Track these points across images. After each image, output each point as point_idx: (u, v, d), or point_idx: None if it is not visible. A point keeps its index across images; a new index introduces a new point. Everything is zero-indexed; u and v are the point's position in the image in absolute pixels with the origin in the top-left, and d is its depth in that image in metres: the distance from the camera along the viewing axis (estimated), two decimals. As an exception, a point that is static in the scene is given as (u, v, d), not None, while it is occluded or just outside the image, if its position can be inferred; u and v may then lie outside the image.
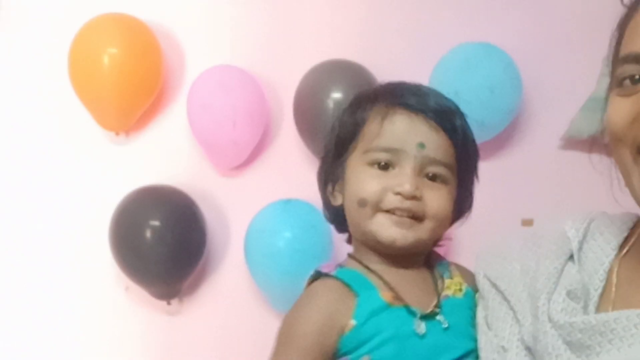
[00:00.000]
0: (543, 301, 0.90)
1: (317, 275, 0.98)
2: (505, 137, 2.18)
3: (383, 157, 0.96)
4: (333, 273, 0.96)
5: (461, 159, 0.99)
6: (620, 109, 0.88)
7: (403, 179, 0.94)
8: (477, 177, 1.05)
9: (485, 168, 2.15)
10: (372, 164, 0.96)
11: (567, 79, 2.14)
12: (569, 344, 0.86)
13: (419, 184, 0.95)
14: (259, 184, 2.18)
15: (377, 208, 0.95)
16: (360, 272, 0.96)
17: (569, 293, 0.90)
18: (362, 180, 0.96)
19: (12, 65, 2.31)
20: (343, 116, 1.03)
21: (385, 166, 0.96)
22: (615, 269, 0.94)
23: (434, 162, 0.96)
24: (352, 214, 0.98)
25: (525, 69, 2.10)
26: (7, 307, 2.27)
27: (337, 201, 1.01)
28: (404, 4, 2.24)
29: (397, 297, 0.94)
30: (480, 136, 2.10)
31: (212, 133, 2.13)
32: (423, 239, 0.97)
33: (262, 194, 2.09)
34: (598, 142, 2.11)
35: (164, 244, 2.06)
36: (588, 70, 2.11)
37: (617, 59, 0.91)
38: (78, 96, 2.18)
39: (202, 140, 2.17)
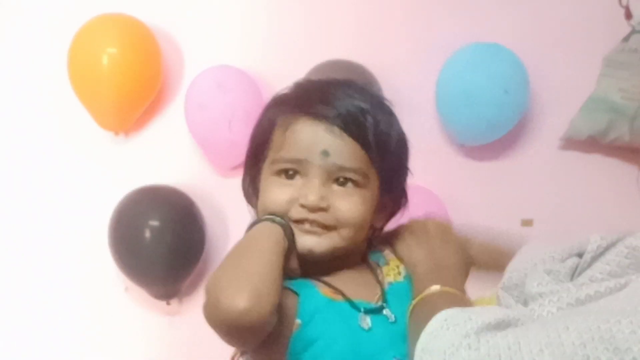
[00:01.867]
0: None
1: None
2: (508, 138, 2.18)
3: (289, 167, 0.94)
4: None
5: (378, 159, 0.96)
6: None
7: (308, 190, 0.93)
8: (409, 170, 1.02)
9: (487, 169, 2.18)
10: (279, 173, 0.95)
11: (571, 80, 2.14)
12: None
13: (326, 194, 0.93)
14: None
15: (290, 217, 0.93)
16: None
17: (549, 272, 0.91)
18: (271, 192, 0.95)
19: (12, 66, 2.31)
20: (261, 117, 1.01)
21: (292, 175, 0.94)
22: None
23: (341, 168, 0.94)
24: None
25: (531, 69, 2.10)
26: (7, 307, 2.27)
27: (258, 208, 1.00)
28: (404, 4, 2.24)
29: (338, 292, 0.92)
30: (489, 137, 2.12)
31: (210, 133, 2.13)
32: (339, 246, 0.95)
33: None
34: (598, 142, 2.12)
35: (163, 244, 2.06)
36: (588, 71, 2.11)
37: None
38: (77, 96, 2.18)
39: (201, 140, 2.17)
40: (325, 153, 0.93)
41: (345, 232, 0.94)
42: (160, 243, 2.06)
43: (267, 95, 2.17)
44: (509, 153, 2.21)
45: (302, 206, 0.93)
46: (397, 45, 2.22)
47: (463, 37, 2.14)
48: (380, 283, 0.96)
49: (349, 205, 0.94)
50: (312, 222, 0.93)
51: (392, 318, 0.93)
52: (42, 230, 2.27)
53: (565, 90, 2.16)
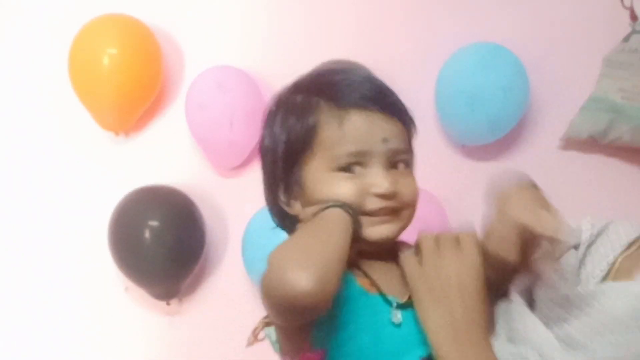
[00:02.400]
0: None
1: None
2: (509, 139, 2.18)
3: (351, 161, 0.94)
4: None
5: (411, 136, 1.00)
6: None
7: (378, 179, 0.93)
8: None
9: (488, 169, 2.18)
10: (340, 169, 0.94)
11: (571, 80, 2.15)
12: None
13: (393, 179, 0.94)
14: (258, 184, 2.17)
15: (360, 212, 0.93)
16: None
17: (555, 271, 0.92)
18: (334, 186, 0.93)
19: (12, 66, 2.31)
20: (286, 121, 1.01)
21: (353, 169, 0.94)
22: (619, 262, 0.96)
23: (398, 152, 0.96)
24: (333, 225, 0.92)
25: (530, 69, 2.10)
26: (7, 307, 2.27)
27: (295, 209, 0.98)
28: (405, 4, 2.24)
29: (374, 284, 0.92)
30: (489, 137, 2.12)
31: (210, 133, 2.13)
32: (406, 226, 0.97)
33: (261, 194, 2.09)
34: (598, 142, 2.12)
35: (163, 244, 2.06)
36: (588, 71, 2.11)
37: None
38: (78, 96, 2.18)
39: (201, 141, 2.17)
40: (385, 140, 0.94)
41: (408, 213, 0.96)
42: (160, 243, 2.06)
43: (268, 95, 2.19)
44: (509, 153, 2.21)
45: (378, 195, 0.93)
46: (397, 45, 2.22)
47: (463, 38, 2.14)
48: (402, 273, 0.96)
49: (409, 185, 0.96)
50: (386, 209, 0.93)
51: None
52: (42, 230, 2.27)
53: (565, 90, 2.16)
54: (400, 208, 0.95)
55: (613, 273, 0.96)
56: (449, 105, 2.11)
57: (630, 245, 0.97)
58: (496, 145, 2.17)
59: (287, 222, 1.02)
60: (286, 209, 1.00)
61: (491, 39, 2.12)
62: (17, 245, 2.27)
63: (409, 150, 0.98)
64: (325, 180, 0.94)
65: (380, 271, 0.95)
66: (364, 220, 0.93)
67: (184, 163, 2.25)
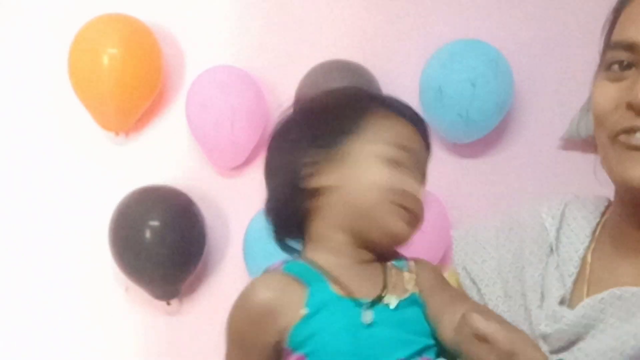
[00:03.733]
0: (535, 315, 0.92)
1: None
2: (500, 135, 2.18)
3: (399, 155, 0.95)
4: (281, 268, 0.94)
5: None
6: (605, 93, 0.90)
7: (415, 184, 0.96)
8: None
9: (480, 166, 2.19)
10: (387, 159, 0.94)
11: (563, 78, 2.14)
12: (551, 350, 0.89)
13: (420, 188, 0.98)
14: (259, 184, 2.17)
15: (397, 204, 0.94)
16: (310, 266, 0.93)
17: (562, 301, 0.92)
18: (384, 175, 0.94)
19: (12, 66, 2.31)
20: (331, 96, 1.03)
21: (397, 164, 0.95)
22: (589, 255, 0.95)
23: (425, 166, 1.00)
24: (364, 203, 0.93)
25: (520, 67, 2.10)
26: (7, 307, 2.27)
27: (318, 183, 0.95)
28: (405, 3, 2.24)
29: (346, 290, 0.91)
30: (467, 132, 2.12)
31: (211, 133, 2.13)
32: (411, 237, 0.97)
33: (261, 194, 2.09)
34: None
35: (164, 244, 2.06)
36: (585, 70, 2.11)
37: (608, 43, 0.92)
38: (78, 96, 2.18)
39: (201, 141, 2.17)
40: (422, 152, 1.01)
41: (419, 225, 1.00)
42: (161, 243, 2.07)
43: (268, 95, 2.20)
44: (501, 151, 2.21)
45: (413, 198, 0.96)
46: (398, 44, 2.22)
47: (446, 34, 2.14)
48: (385, 282, 0.94)
49: (423, 199, 1.01)
50: (410, 212, 0.96)
51: (394, 304, 0.92)
52: (42, 230, 2.27)
53: (556, 89, 2.16)
54: (420, 218, 0.97)
55: (587, 271, 0.94)
56: (433, 104, 2.10)
57: (593, 232, 0.97)
58: (487, 142, 2.17)
59: (289, 204, 0.99)
60: (306, 181, 0.96)
61: (475, 36, 2.12)
62: (17, 246, 2.27)
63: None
64: (374, 163, 0.94)
65: (356, 274, 0.94)
66: (396, 210, 0.94)
67: (184, 163, 2.25)
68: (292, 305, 0.89)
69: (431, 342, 0.92)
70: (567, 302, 0.92)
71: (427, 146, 1.01)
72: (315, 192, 0.95)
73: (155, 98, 2.23)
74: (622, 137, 0.87)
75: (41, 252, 2.26)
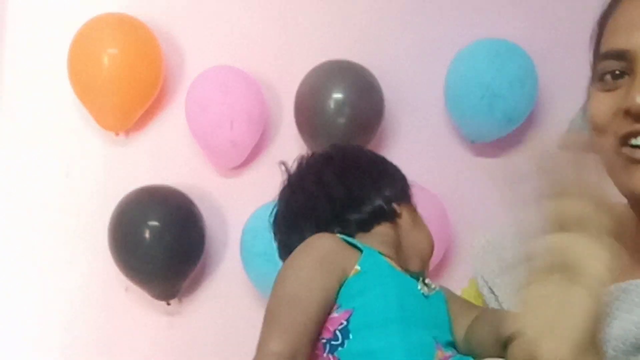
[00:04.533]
0: None
1: None
2: (516, 135, 2.18)
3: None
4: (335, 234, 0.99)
5: None
6: (602, 103, 0.91)
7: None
8: None
9: (496, 166, 2.18)
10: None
11: (581, 76, 2.14)
12: None
13: None
14: (258, 184, 2.18)
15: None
16: (362, 242, 0.99)
17: None
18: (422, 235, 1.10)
19: (12, 65, 2.31)
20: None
21: None
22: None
23: None
24: (426, 252, 1.08)
25: (539, 64, 2.10)
26: (6, 307, 2.27)
27: (397, 214, 1.06)
28: (405, 3, 2.24)
29: (399, 264, 0.98)
30: (498, 133, 2.12)
31: (210, 133, 2.13)
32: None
33: (261, 194, 2.07)
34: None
35: (163, 244, 2.06)
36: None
37: (598, 54, 0.94)
38: (78, 96, 2.18)
39: (201, 141, 2.17)
40: None
41: None
42: (161, 243, 2.06)
43: (268, 96, 2.20)
44: (517, 150, 2.20)
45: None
46: (397, 44, 2.22)
47: (471, 34, 2.14)
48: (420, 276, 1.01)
49: None
50: None
51: (430, 292, 0.98)
52: (42, 230, 2.27)
53: (574, 85, 2.15)
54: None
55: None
56: (458, 102, 2.11)
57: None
58: (504, 142, 2.16)
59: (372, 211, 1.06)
60: (392, 208, 1.06)
61: (499, 35, 2.12)
62: (17, 246, 2.27)
63: None
64: (417, 226, 1.09)
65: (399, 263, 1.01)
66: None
67: (184, 163, 2.25)
68: (349, 260, 0.92)
69: (452, 339, 0.95)
70: None
71: None
72: (393, 213, 1.06)
73: (155, 98, 2.23)
74: (626, 150, 0.88)
75: (41, 252, 2.26)
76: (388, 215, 1.05)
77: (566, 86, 2.14)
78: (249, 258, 2.07)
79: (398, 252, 1.03)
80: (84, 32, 2.15)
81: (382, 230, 1.04)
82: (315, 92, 2.10)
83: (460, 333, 0.95)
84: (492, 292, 1.03)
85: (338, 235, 0.98)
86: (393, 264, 0.97)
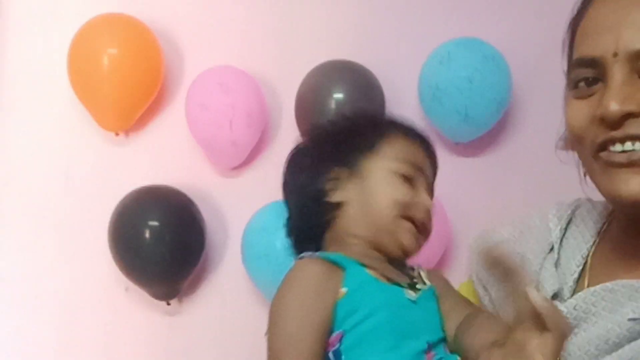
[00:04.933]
0: None
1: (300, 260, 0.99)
2: (499, 134, 2.18)
3: (410, 171, 1.02)
4: (315, 255, 0.98)
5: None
6: (577, 111, 0.92)
7: (425, 197, 1.03)
8: None
9: (479, 165, 2.18)
10: (399, 175, 1.01)
11: (562, 77, 2.14)
12: None
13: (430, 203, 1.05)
14: (259, 184, 2.18)
15: (408, 218, 1.00)
16: (343, 255, 0.98)
17: (554, 296, 0.94)
18: (396, 189, 1.01)
19: (12, 65, 2.31)
20: (352, 117, 1.09)
21: (407, 179, 1.02)
22: (591, 255, 0.97)
23: (434, 179, 1.08)
24: (379, 217, 1.00)
25: (519, 66, 2.10)
26: (6, 307, 2.27)
27: (339, 197, 1.02)
28: (404, 3, 2.24)
29: (382, 275, 0.96)
30: (466, 130, 2.11)
31: (210, 133, 2.13)
32: (419, 249, 1.03)
33: (261, 194, 2.09)
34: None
35: (163, 244, 2.06)
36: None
37: (571, 60, 0.94)
38: (78, 96, 2.18)
39: (201, 141, 2.17)
40: (430, 168, 1.08)
41: (427, 238, 1.06)
42: (161, 243, 2.07)
43: (268, 96, 2.20)
44: (500, 149, 2.21)
45: (425, 210, 1.04)
46: (397, 45, 2.22)
47: (444, 33, 2.14)
48: (409, 274, 1.01)
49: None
50: (422, 224, 1.04)
51: (418, 293, 0.97)
52: (42, 230, 2.27)
53: (550, 84, 2.15)
54: (428, 231, 1.03)
55: (587, 270, 0.96)
56: (433, 103, 2.10)
57: (598, 232, 0.99)
58: (486, 141, 2.16)
59: (312, 213, 1.04)
60: (328, 195, 1.02)
61: (472, 34, 2.12)
62: (17, 246, 2.27)
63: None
64: (388, 179, 1.01)
65: (383, 266, 0.99)
66: (407, 225, 1.01)
67: (184, 163, 2.25)
68: (335, 284, 0.93)
69: (443, 335, 0.96)
70: (567, 297, 0.94)
71: (434, 165, 1.08)
72: (337, 206, 1.02)
73: (155, 98, 2.23)
74: (603, 154, 0.89)
75: (41, 252, 2.26)
76: (328, 218, 1.03)
77: (540, 84, 2.16)
78: (251, 258, 2.07)
79: (371, 247, 1.00)
80: (84, 32, 2.15)
81: (335, 237, 1.03)
82: (316, 92, 2.10)
83: (452, 330, 0.96)
84: (486, 290, 1.04)
85: (319, 254, 0.98)
86: (376, 275, 0.96)
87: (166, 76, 2.25)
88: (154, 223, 2.08)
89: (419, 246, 1.02)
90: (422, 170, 1.04)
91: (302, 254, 0.99)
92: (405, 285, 0.96)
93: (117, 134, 2.24)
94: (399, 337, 0.91)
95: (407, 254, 1.01)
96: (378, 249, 1.00)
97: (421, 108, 2.13)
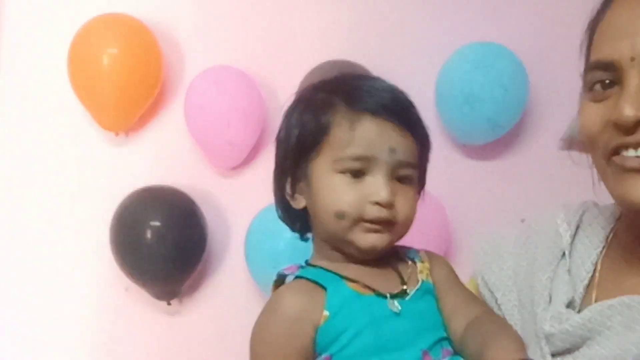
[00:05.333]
0: (540, 316, 0.93)
1: (281, 278, 0.98)
2: (509, 138, 2.18)
3: (356, 165, 0.94)
4: (297, 273, 0.96)
5: (422, 154, 0.99)
6: (592, 114, 0.91)
7: (378, 187, 0.93)
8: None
9: (489, 169, 2.18)
10: (343, 172, 0.94)
11: (572, 79, 2.14)
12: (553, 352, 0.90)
13: (392, 190, 0.94)
14: (260, 184, 2.16)
15: (357, 219, 0.94)
16: (323, 269, 0.96)
17: (569, 304, 0.93)
18: (336, 191, 0.94)
19: (12, 65, 2.31)
20: (302, 115, 0.99)
21: (357, 174, 0.94)
22: (600, 261, 0.97)
23: (403, 164, 0.95)
24: (327, 224, 0.95)
25: (530, 68, 2.10)
26: (7, 307, 2.27)
27: (300, 204, 0.99)
28: (404, 3, 2.24)
29: (364, 286, 0.93)
30: (490, 136, 2.12)
31: (210, 133, 2.13)
32: (394, 241, 0.97)
33: (262, 194, 2.07)
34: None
35: (164, 244, 2.07)
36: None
37: (588, 63, 0.93)
38: (78, 96, 2.18)
39: (201, 141, 2.17)
40: (393, 150, 0.94)
41: (401, 230, 0.96)
42: (161, 243, 2.07)
43: (267, 96, 2.20)
44: (509, 153, 2.21)
45: (376, 203, 0.93)
46: (397, 45, 2.22)
47: (462, 37, 2.15)
48: (401, 276, 0.97)
49: (408, 202, 0.96)
50: (382, 219, 0.93)
51: (409, 295, 0.95)
52: (42, 231, 2.27)
53: (565, 89, 2.16)
54: (392, 221, 0.95)
55: (597, 277, 0.96)
56: (449, 105, 2.11)
57: (606, 238, 0.99)
58: (496, 144, 2.17)
59: (291, 215, 1.03)
60: (291, 202, 1.01)
61: (490, 39, 2.13)
62: (18, 246, 2.27)
63: (416, 166, 0.97)
64: (329, 182, 0.95)
65: (369, 273, 0.96)
66: (360, 228, 0.94)
67: (184, 163, 2.25)
68: (316, 309, 0.91)
69: (445, 334, 0.94)
70: (578, 306, 0.93)
71: (413, 136, 0.97)
72: (304, 211, 1.00)
73: (154, 98, 2.23)
74: (616, 159, 0.88)
75: (42, 252, 2.26)
76: (304, 223, 1.02)
77: (558, 89, 2.17)
78: (254, 259, 2.07)
79: (339, 252, 0.97)
80: (84, 32, 2.15)
81: (315, 238, 1.01)
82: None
83: (458, 330, 0.93)
84: (493, 294, 1.04)
85: (300, 272, 0.96)
86: (357, 288, 0.93)
87: (166, 76, 2.25)
88: (155, 223, 2.08)
89: (389, 240, 0.95)
90: (381, 154, 0.93)
91: (283, 271, 0.97)
92: (388, 296, 0.92)
93: (117, 134, 2.24)
94: (387, 351, 0.89)
95: (373, 253, 0.95)
96: (344, 254, 0.97)
97: (438, 111, 2.13)
